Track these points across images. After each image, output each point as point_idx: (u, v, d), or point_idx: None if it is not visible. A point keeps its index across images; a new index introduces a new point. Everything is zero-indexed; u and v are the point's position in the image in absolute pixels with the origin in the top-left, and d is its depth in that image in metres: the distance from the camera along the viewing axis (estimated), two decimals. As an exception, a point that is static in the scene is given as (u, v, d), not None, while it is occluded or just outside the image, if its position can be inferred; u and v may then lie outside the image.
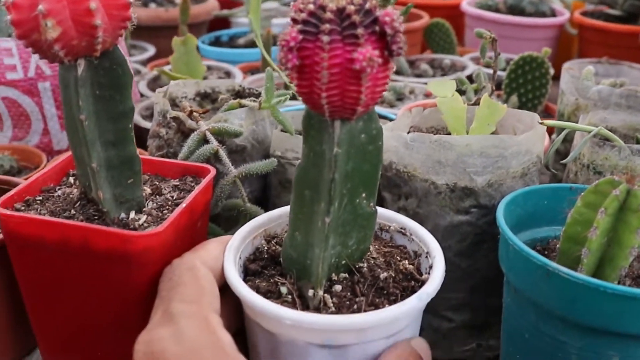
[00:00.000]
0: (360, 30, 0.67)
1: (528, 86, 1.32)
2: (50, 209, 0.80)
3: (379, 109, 1.29)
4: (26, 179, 0.90)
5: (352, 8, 0.68)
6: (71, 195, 0.83)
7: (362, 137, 0.74)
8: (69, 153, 0.91)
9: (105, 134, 0.78)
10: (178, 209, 0.78)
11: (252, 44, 1.52)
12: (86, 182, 0.83)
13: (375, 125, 0.75)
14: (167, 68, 1.28)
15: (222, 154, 0.90)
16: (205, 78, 1.33)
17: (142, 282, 0.77)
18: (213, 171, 0.86)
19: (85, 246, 0.75)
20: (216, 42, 1.61)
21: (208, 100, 1.05)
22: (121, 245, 0.74)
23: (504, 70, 1.43)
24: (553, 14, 1.65)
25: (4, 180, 0.98)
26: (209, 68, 1.44)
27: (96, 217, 0.80)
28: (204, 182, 0.84)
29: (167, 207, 0.83)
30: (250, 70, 1.45)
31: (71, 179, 0.88)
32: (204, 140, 0.91)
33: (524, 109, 1.33)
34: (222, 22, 1.69)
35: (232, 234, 0.92)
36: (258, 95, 1.04)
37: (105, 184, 0.79)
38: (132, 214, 0.80)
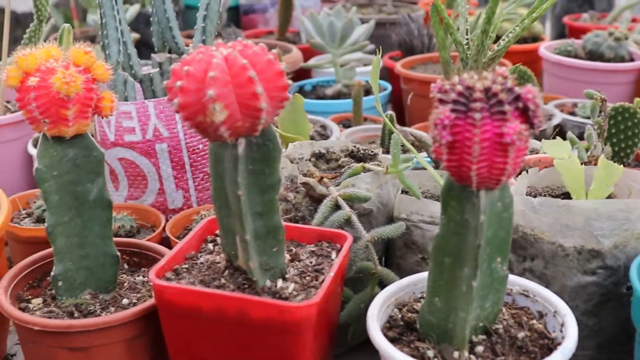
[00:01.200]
0: (507, 107, 0.71)
1: (620, 136, 1.33)
2: (200, 278, 0.83)
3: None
4: (171, 247, 0.93)
5: (497, 87, 0.72)
6: (218, 264, 0.86)
7: (498, 205, 0.77)
8: (206, 220, 0.94)
9: (254, 206, 0.80)
10: (328, 278, 0.81)
11: (339, 95, 1.55)
12: (232, 250, 0.85)
13: (508, 194, 0.78)
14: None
15: (355, 219, 0.92)
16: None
17: (297, 351, 0.79)
18: (350, 237, 0.89)
19: (241, 316, 0.78)
20: (300, 92, 1.65)
21: (323, 160, 1.08)
22: (279, 316, 0.76)
23: (587, 118, 1.45)
24: (631, 57, 1.67)
25: (131, 244, 1.02)
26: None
27: (246, 286, 0.82)
28: (345, 248, 0.87)
29: (308, 273, 0.85)
30: (341, 122, 1.48)
31: (210, 245, 0.91)
32: (336, 206, 0.93)
33: (616, 159, 1.34)
34: (302, 71, 1.73)
35: (365, 296, 0.95)
36: (374, 156, 1.07)
37: (254, 253, 0.82)
38: (280, 282, 0.83)
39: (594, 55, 1.67)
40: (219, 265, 0.86)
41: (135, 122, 1.12)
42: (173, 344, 0.84)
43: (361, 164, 0.99)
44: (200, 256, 0.89)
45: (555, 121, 1.44)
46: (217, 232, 0.94)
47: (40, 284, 0.97)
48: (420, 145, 1.43)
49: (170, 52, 1.24)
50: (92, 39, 1.87)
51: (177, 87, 0.72)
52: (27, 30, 1.34)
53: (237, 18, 2.17)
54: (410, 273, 0.96)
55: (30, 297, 0.94)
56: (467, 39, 1.13)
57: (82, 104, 0.86)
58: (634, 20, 1.97)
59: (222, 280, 0.83)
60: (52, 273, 0.90)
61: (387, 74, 1.75)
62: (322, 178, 0.95)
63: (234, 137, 0.74)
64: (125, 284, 0.95)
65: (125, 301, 0.91)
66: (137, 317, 0.85)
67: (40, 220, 1.17)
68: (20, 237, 1.13)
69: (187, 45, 1.23)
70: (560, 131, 1.46)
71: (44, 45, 0.87)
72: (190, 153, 1.15)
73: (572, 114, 1.53)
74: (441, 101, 0.74)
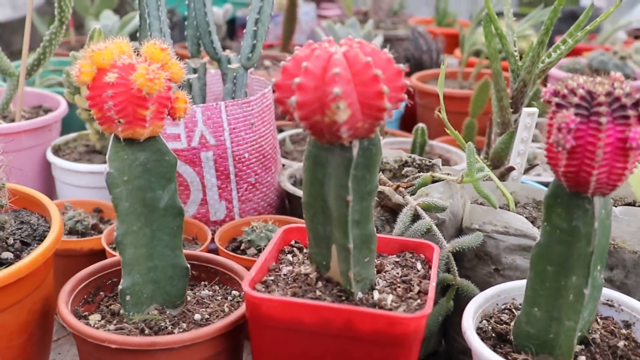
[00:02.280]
0: (630, 112, 0.70)
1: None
2: (292, 290, 0.78)
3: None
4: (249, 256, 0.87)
5: (620, 92, 0.71)
6: (306, 275, 0.81)
7: (603, 212, 0.76)
8: (281, 230, 0.89)
9: (353, 214, 0.77)
10: (432, 288, 0.77)
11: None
12: (323, 261, 0.81)
13: (610, 200, 0.77)
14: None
15: (435, 229, 0.89)
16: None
17: (403, 364, 0.75)
18: (437, 248, 0.85)
19: (347, 329, 0.73)
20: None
21: (377, 170, 1.05)
22: (388, 328, 0.72)
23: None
24: (634, 77, 1.70)
25: (189, 255, 0.95)
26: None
27: (343, 298, 0.78)
28: (435, 259, 0.83)
29: (398, 284, 0.82)
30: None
31: (288, 257, 0.87)
32: (414, 215, 0.90)
33: None
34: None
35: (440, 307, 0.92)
36: (431, 166, 1.04)
37: (354, 263, 0.77)
38: (376, 294, 0.79)
39: (600, 73, 1.69)
40: (308, 276, 0.81)
41: (181, 128, 1.06)
42: (265, 358, 0.78)
43: (430, 173, 0.97)
44: (282, 267, 0.84)
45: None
46: (293, 242, 0.90)
47: (94, 298, 0.90)
48: (448, 159, 1.42)
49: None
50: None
51: (295, 85, 0.68)
52: (47, 33, 1.27)
53: (232, 31, 2.13)
54: (481, 285, 0.93)
55: (86, 313, 0.87)
56: (516, 51, 1.12)
57: (159, 103, 0.80)
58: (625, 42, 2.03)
59: (318, 292, 0.78)
60: (119, 287, 0.83)
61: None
62: (398, 187, 0.91)
63: (351, 138, 0.71)
64: (190, 299, 0.89)
65: (197, 316, 0.85)
66: (221, 333, 0.79)
67: (72, 232, 1.09)
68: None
69: (181, 57, 1.18)
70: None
71: (115, 40, 0.82)
72: (236, 162, 1.09)
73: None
74: (558, 105, 0.73)
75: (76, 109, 1.32)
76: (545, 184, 1.18)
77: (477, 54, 1.66)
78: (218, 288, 0.92)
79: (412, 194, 0.93)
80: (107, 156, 0.82)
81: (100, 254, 1.06)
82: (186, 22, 1.18)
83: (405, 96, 0.72)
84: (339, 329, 0.73)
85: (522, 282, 0.89)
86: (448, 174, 0.97)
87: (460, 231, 0.97)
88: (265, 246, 1.03)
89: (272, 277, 0.81)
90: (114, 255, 1.00)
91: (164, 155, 0.84)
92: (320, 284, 0.80)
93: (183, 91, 0.83)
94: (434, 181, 0.97)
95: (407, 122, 1.72)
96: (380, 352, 0.74)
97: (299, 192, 1.12)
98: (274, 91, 0.80)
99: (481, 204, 1.03)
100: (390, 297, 0.78)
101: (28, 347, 0.88)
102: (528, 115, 1.06)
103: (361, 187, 0.75)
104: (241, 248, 1.04)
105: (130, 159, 0.82)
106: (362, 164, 0.74)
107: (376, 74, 0.68)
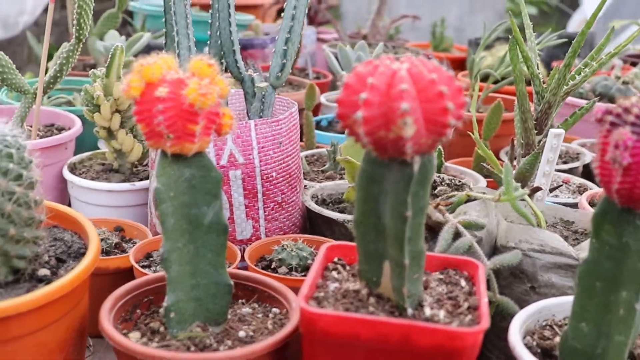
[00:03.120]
0: None
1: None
2: (344, 306, 0.78)
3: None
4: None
5: None
6: (356, 292, 0.81)
7: None
8: (325, 248, 0.88)
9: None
10: (484, 304, 0.78)
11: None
12: (373, 277, 0.81)
13: None
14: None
15: (477, 246, 0.90)
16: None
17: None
18: (482, 265, 0.86)
19: (404, 344, 0.73)
20: (317, 127, 1.61)
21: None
22: (448, 342, 0.72)
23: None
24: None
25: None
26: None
27: (395, 314, 0.78)
28: (481, 275, 0.84)
29: (445, 301, 0.82)
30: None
31: (333, 273, 0.86)
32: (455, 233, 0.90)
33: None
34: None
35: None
36: (460, 186, 1.05)
37: (408, 279, 0.77)
38: (428, 310, 0.79)
39: (603, 97, 1.73)
40: (359, 293, 0.80)
41: (210, 146, 1.06)
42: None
43: (465, 192, 0.97)
44: (328, 284, 0.83)
45: (586, 160, 1.47)
46: (336, 259, 0.89)
47: (132, 316, 0.89)
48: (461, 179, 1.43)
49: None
50: (94, 67, 1.77)
51: (361, 100, 0.68)
52: (64, 50, 1.26)
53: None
54: (517, 302, 0.94)
55: (125, 331, 0.85)
56: (540, 73, 1.14)
57: (208, 119, 0.80)
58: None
59: (371, 308, 0.78)
60: (164, 304, 0.82)
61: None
62: (437, 205, 0.92)
63: (414, 154, 0.71)
64: (230, 316, 0.88)
65: (241, 334, 0.84)
66: (272, 350, 0.78)
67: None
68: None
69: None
70: (585, 170, 1.49)
71: (159, 55, 0.81)
72: (264, 181, 1.09)
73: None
74: (613, 124, 0.74)
75: (90, 127, 1.30)
76: (562, 204, 1.19)
77: (483, 78, 1.68)
78: (257, 306, 0.91)
79: (450, 212, 0.94)
80: (154, 172, 0.81)
81: (126, 273, 1.05)
82: (208, 42, 1.18)
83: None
84: (396, 344, 0.73)
85: (562, 299, 0.90)
86: (483, 192, 0.98)
87: (494, 249, 0.98)
88: (297, 265, 1.03)
89: (321, 294, 0.81)
90: (144, 274, 0.99)
91: (210, 171, 0.83)
92: (372, 300, 0.79)
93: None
94: (467, 200, 0.98)
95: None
96: (437, 367, 0.74)
97: (325, 212, 1.12)
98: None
99: (511, 221, 1.04)
100: (442, 313, 0.78)
101: (64, 367, 0.86)
102: (555, 137, 1.08)
103: (415, 204, 0.76)
104: (272, 267, 1.03)
105: (176, 174, 0.81)
106: (419, 180, 0.75)
107: (442, 90, 0.68)
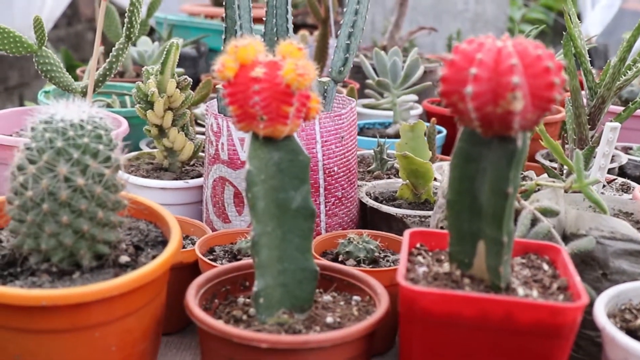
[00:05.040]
0: None
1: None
2: (438, 287, 0.78)
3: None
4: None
5: None
6: (447, 273, 0.81)
7: None
8: (408, 234, 0.88)
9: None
10: (578, 282, 0.78)
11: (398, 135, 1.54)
12: (465, 258, 0.81)
13: None
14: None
15: (554, 232, 0.90)
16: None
17: (559, 356, 0.75)
18: (564, 249, 0.86)
19: (507, 321, 0.73)
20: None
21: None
22: (550, 318, 0.72)
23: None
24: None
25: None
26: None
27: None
28: (566, 259, 0.84)
29: (531, 284, 0.82)
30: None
31: (419, 258, 0.86)
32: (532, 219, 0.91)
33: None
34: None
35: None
36: (524, 177, 1.06)
37: (505, 257, 0.78)
38: (521, 290, 0.79)
39: (628, 102, 1.76)
40: (451, 274, 0.81)
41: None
42: (416, 356, 0.77)
43: (534, 181, 0.98)
44: (416, 268, 0.83)
45: (623, 161, 1.49)
46: (418, 245, 0.89)
47: (211, 305, 0.88)
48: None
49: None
50: (121, 75, 1.77)
51: (471, 75, 0.69)
52: (114, 49, 1.26)
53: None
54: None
55: (209, 318, 0.85)
56: (593, 68, 1.16)
57: (300, 102, 0.80)
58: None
59: (467, 288, 0.78)
60: (254, 289, 0.82)
61: (427, 117, 1.77)
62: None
63: (521, 129, 0.72)
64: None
65: (329, 320, 0.83)
66: (366, 333, 0.78)
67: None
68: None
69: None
70: (621, 172, 1.51)
71: (247, 38, 0.81)
72: (326, 176, 1.09)
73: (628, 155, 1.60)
74: None
75: (132, 128, 1.30)
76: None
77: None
78: (336, 294, 0.91)
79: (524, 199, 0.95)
80: (246, 154, 0.81)
81: (189, 267, 1.04)
82: (263, 32, 1.18)
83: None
84: (498, 322, 0.73)
85: (637, 284, 0.91)
86: (553, 181, 0.99)
87: (564, 237, 0.98)
88: (364, 257, 1.03)
89: (412, 276, 0.81)
90: (213, 266, 0.98)
91: (298, 155, 0.83)
92: (466, 280, 0.80)
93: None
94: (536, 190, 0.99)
95: (446, 149, 1.75)
96: (537, 344, 0.74)
97: (384, 208, 1.13)
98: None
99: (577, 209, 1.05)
100: (534, 292, 0.79)
101: (146, 355, 0.85)
102: (611, 130, 1.10)
103: (514, 181, 0.76)
104: (339, 260, 1.03)
105: (266, 157, 0.81)
106: (519, 156, 0.75)
107: (548, 66, 0.69)
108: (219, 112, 1.12)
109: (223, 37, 1.13)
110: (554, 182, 0.99)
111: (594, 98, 1.15)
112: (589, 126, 1.16)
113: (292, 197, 0.83)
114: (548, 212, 0.92)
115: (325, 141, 1.08)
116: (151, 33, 2.01)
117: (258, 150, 0.81)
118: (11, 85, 3.10)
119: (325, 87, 1.12)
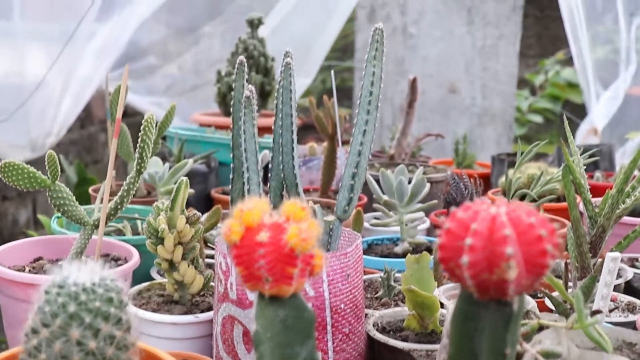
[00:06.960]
0: None
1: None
2: None
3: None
4: None
5: None
6: None
7: None
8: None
9: None
10: None
11: (406, 253, 1.56)
12: None
13: None
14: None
15: (559, 377, 0.91)
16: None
17: None
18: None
19: None
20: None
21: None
22: None
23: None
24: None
25: None
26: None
27: None
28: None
29: None
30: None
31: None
32: (536, 364, 0.92)
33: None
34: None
35: None
36: (526, 313, 1.07)
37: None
38: None
39: (634, 212, 1.78)
40: None
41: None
42: None
43: (537, 320, 1.00)
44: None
45: (629, 276, 1.50)
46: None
47: None
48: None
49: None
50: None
51: (466, 246, 0.72)
52: (125, 183, 1.30)
53: (266, 176, 2.18)
54: None
55: None
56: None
57: (304, 262, 0.83)
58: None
59: None
60: None
61: (433, 230, 1.79)
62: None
63: (515, 294, 0.74)
64: None
65: None
66: None
67: None
68: None
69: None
70: (628, 285, 1.52)
71: (253, 199, 0.85)
72: (333, 313, 1.11)
73: (634, 267, 1.61)
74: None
75: (142, 257, 1.33)
76: (614, 324, 1.21)
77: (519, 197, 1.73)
78: None
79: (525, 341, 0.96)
80: (254, 313, 0.83)
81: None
82: (270, 174, 1.22)
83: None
84: None
85: None
86: (554, 320, 1.00)
87: (569, 376, 0.99)
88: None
89: None
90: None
91: (303, 311, 0.85)
92: None
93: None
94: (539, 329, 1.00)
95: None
96: None
97: (391, 342, 1.14)
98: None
99: (576, 346, 1.06)
100: None
101: None
102: (612, 260, 1.11)
103: (510, 340, 0.78)
104: (347, 399, 1.04)
105: (272, 315, 0.84)
106: (516, 318, 0.77)
107: (541, 234, 0.72)
108: (227, 252, 1.15)
109: (231, 176, 1.17)
110: (555, 321, 1.00)
111: (594, 227, 1.17)
112: (591, 254, 1.18)
113: (297, 353, 0.85)
114: (550, 355, 0.93)
115: (332, 280, 1.10)
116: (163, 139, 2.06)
117: (264, 309, 0.83)
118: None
119: (331, 226, 1.16)
